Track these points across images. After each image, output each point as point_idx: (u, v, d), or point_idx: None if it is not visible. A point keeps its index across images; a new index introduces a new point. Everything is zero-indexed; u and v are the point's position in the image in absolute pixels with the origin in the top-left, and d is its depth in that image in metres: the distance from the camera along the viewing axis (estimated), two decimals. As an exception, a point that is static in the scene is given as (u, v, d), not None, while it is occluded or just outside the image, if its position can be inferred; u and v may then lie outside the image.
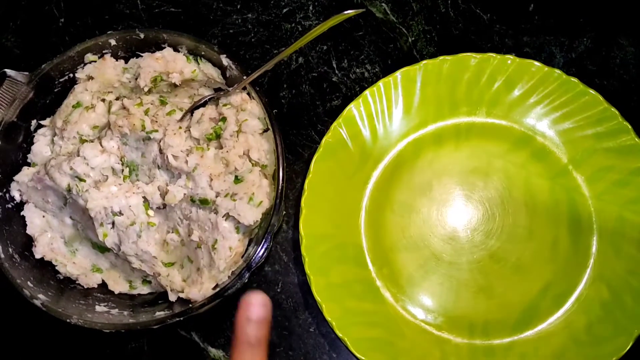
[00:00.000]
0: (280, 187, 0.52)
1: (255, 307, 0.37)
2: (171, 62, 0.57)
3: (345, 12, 0.46)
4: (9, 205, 0.56)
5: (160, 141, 0.54)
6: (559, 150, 0.59)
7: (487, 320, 0.56)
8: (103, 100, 0.57)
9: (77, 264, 0.57)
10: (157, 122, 0.54)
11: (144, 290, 0.58)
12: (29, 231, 0.57)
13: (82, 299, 0.55)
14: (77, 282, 0.57)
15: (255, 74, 0.53)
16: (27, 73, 0.55)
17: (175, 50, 0.57)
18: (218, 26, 0.65)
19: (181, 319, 0.51)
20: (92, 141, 0.55)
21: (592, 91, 0.57)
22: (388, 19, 0.64)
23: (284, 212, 0.59)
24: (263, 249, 0.51)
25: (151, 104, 0.55)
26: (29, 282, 0.53)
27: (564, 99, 0.58)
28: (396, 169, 0.60)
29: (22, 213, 0.57)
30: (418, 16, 0.64)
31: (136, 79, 0.57)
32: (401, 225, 0.59)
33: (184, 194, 0.54)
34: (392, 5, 0.64)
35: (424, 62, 0.59)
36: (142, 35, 0.57)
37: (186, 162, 0.53)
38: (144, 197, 0.55)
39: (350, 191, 0.59)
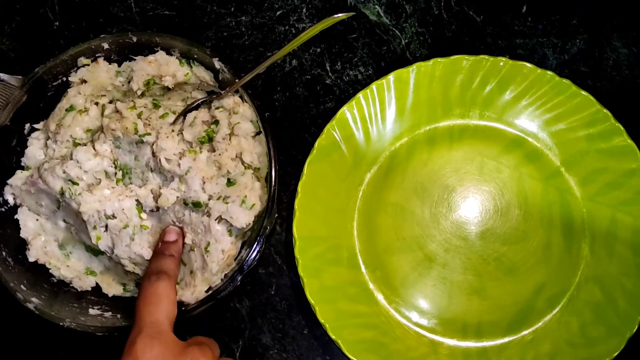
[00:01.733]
0: (272, 190, 0.52)
1: (170, 233, 0.53)
2: (164, 66, 0.57)
3: (336, 15, 0.46)
4: (3, 209, 0.56)
5: (153, 144, 0.54)
6: (552, 152, 0.59)
7: (481, 322, 0.57)
8: (96, 103, 0.57)
9: (71, 267, 0.57)
10: (150, 125, 0.54)
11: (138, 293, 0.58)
12: (22, 234, 0.57)
13: (75, 302, 0.55)
14: (70, 285, 0.57)
15: (247, 77, 0.53)
16: (20, 77, 0.56)
17: (168, 53, 0.58)
18: (212, 29, 0.65)
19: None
20: (85, 144, 0.55)
21: (584, 93, 0.57)
22: (381, 22, 0.64)
23: (277, 215, 0.59)
24: (255, 252, 0.51)
25: (144, 107, 0.55)
26: (22, 286, 0.53)
27: (556, 100, 0.58)
28: (389, 171, 0.60)
29: (15, 216, 0.57)
30: (411, 18, 0.64)
31: (129, 82, 0.58)
32: (394, 227, 0.59)
33: (177, 197, 0.54)
34: (385, 7, 0.64)
35: (417, 64, 0.59)
36: (134, 39, 0.57)
37: (179, 165, 0.53)
38: (137, 200, 0.55)
39: (344, 193, 0.59)
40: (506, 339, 0.56)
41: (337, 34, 0.64)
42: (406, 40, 0.64)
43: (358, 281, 0.58)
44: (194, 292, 0.53)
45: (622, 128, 0.56)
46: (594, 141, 0.57)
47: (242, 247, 0.55)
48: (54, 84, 0.58)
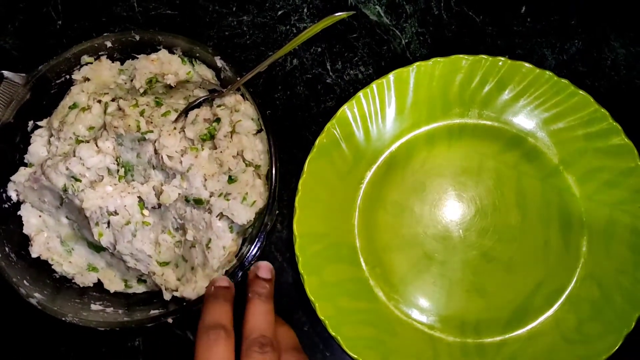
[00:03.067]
0: (273, 187, 0.52)
1: (222, 280, 0.47)
2: (166, 64, 0.58)
3: (336, 14, 0.47)
4: (6, 205, 0.57)
5: (155, 142, 0.54)
6: (550, 151, 0.59)
7: (479, 319, 0.57)
8: (99, 101, 0.57)
9: (73, 263, 0.58)
10: (152, 123, 0.55)
11: (140, 289, 0.58)
12: (25, 231, 0.57)
13: (77, 298, 0.56)
14: (73, 281, 0.58)
15: (248, 75, 0.54)
16: (24, 74, 0.56)
17: (171, 52, 0.58)
18: (214, 28, 0.66)
19: (175, 317, 0.51)
20: (88, 142, 0.56)
21: (582, 92, 0.57)
22: (382, 22, 0.65)
23: (278, 212, 0.60)
24: (256, 248, 0.52)
25: (146, 105, 0.56)
26: (25, 281, 0.54)
27: (554, 100, 0.58)
28: (389, 170, 0.60)
29: (18, 213, 0.58)
30: (411, 18, 0.65)
31: (132, 80, 0.58)
32: (394, 225, 0.59)
33: (179, 194, 0.54)
34: (385, 7, 0.65)
35: (417, 63, 0.59)
36: (137, 37, 0.57)
37: (181, 162, 0.54)
38: (139, 197, 0.55)
39: (344, 191, 0.60)
40: (504, 336, 0.56)
41: (338, 34, 0.64)
42: (406, 40, 0.64)
43: (358, 278, 0.58)
44: (195, 287, 0.53)
45: (619, 127, 0.57)
46: (592, 140, 0.58)
47: (242, 244, 0.55)
48: (57, 81, 0.58)
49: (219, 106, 0.56)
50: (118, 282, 0.58)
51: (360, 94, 0.59)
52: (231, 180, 0.54)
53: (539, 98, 0.59)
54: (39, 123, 0.58)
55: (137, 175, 0.56)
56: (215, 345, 0.42)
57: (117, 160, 0.56)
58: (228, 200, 0.53)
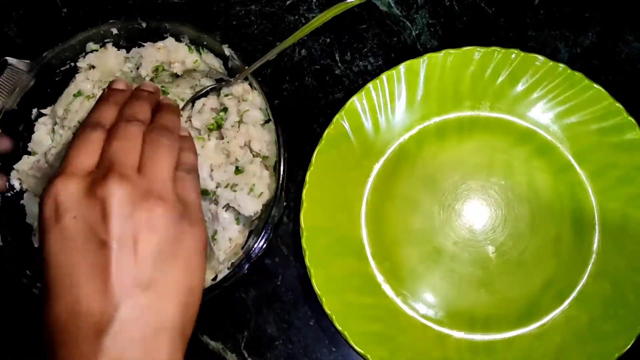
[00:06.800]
0: (280, 179, 0.51)
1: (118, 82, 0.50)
2: (173, 52, 0.57)
3: (347, 0, 0.46)
4: (9, 194, 0.56)
5: (161, 131, 0.53)
6: (563, 145, 0.58)
7: (488, 316, 0.56)
8: (104, 89, 0.56)
9: (76, 254, 0.57)
10: (158, 112, 0.54)
11: (143, 281, 0.58)
12: (28, 220, 0.56)
13: (80, 289, 0.55)
14: (75, 271, 0.57)
15: (256, 63, 0.53)
16: (28, 61, 0.55)
17: (177, 40, 0.57)
18: (221, 18, 0.65)
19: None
20: (92, 130, 0.55)
21: (596, 86, 0.56)
22: (392, 12, 0.64)
23: (285, 204, 0.59)
24: (263, 240, 0.51)
25: (152, 93, 0.55)
26: (27, 271, 0.53)
27: (568, 93, 0.57)
28: (398, 163, 0.59)
29: (21, 202, 0.57)
30: (422, 9, 0.64)
31: (137, 68, 0.57)
32: (403, 219, 0.58)
33: (185, 185, 0.53)
34: (396, -2, 0.64)
35: (428, 55, 0.58)
36: (144, 25, 0.56)
37: (187, 152, 0.53)
38: (144, 187, 0.54)
39: (352, 184, 0.59)
40: (514, 333, 0.55)
41: (347, 25, 0.63)
42: (417, 32, 0.63)
43: (365, 273, 0.57)
44: (200, 280, 0.52)
45: (634, 122, 0.56)
46: (606, 135, 0.57)
47: (249, 236, 0.54)
48: (62, 69, 0.57)
49: (226, 95, 0.55)
50: (122, 273, 0.57)
51: (370, 85, 0.58)
52: (238, 171, 0.53)
53: (552, 91, 0.58)
54: (43, 111, 0.57)
55: (143, 165, 0.55)
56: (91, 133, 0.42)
57: (122, 150, 0.55)
58: (235, 191, 0.52)
